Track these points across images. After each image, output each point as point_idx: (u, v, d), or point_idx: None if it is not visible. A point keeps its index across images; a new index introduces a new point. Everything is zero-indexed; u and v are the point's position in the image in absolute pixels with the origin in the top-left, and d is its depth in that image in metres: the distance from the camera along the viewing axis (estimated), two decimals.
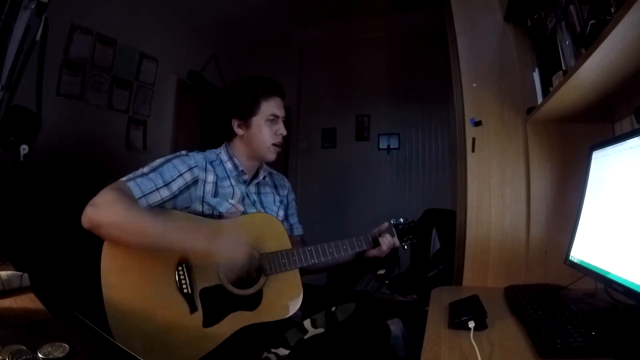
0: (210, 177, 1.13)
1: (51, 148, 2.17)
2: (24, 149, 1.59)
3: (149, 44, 2.96)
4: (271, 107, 1.18)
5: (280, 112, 1.19)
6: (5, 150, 1.58)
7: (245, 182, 1.22)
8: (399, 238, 1.22)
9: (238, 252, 0.99)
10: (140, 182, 0.99)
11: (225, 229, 1.07)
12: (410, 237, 1.25)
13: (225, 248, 0.98)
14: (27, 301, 0.79)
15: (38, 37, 1.61)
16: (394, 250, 1.21)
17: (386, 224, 1.24)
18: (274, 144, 1.19)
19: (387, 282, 2.31)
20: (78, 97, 2.49)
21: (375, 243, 1.20)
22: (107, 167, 2.50)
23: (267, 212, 1.20)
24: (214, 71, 3.61)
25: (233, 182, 1.18)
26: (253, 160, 1.22)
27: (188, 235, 0.97)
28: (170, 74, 3.21)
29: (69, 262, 1.95)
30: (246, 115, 1.17)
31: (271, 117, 1.18)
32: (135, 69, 2.89)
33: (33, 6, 1.48)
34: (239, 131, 1.19)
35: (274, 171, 1.36)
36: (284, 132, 1.19)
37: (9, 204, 1.72)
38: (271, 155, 1.20)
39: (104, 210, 0.91)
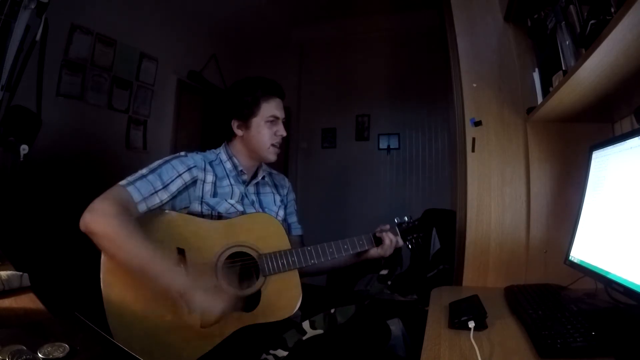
0: (209, 178, 1.13)
1: (51, 148, 2.17)
2: (24, 149, 1.58)
3: (149, 44, 2.96)
4: (271, 108, 1.17)
5: (280, 114, 1.19)
6: (5, 150, 1.58)
7: (244, 182, 1.21)
8: (402, 237, 1.21)
9: (215, 303, 0.92)
10: (139, 186, 0.99)
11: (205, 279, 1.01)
12: (415, 235, 1.24)
13: (203, 298, 0.92)
14: (27, 301, 0.79)
15: (38, 37, 1.61)
16: (397, 249, 1.20)
17: (387, 226, 1.22)
18: (273, 145, 1.18)
19: (389, 282, 2.29)
20: (78, 97, 2.49)
21: (377, 242, 1.19)
22: (107, 167, 2.50)
23: (266, 213, 1.19)
24: (214, 71, 3.61)
25: (232, 181, 1.17)
26: (252, 160, 1.22)
27: (171, 273, 0.93)
28: (170, 74, 3.21)
29: (69, 262, 1.95)
30: (246, 116, 1.16)
31: (271, 119, 1.17)
32: (135, 69, 2.89)
33: (33, 6, 1.48)
34: (239, 132, 1.18)
35: (274, 171, 1.35)
36: (284, 133, 1.19)
37: (9, 204, 1.72)
38: (271, 156, 1.19)
39: (99, 220, 0.91)
